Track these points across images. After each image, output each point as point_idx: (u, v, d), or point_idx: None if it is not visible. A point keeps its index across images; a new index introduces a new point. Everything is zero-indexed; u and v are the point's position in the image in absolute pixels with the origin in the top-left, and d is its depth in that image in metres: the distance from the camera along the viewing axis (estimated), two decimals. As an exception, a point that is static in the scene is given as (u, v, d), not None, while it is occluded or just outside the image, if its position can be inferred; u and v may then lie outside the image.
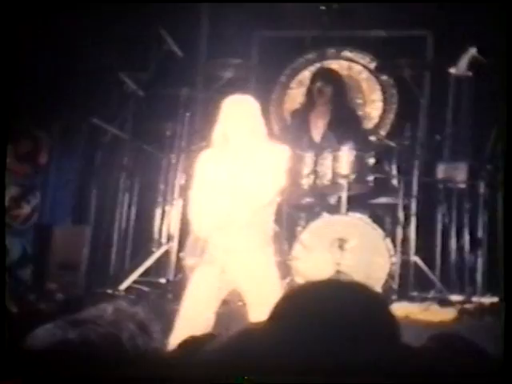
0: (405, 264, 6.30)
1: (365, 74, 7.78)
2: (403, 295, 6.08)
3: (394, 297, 6.04)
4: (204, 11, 7.88)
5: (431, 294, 6.16)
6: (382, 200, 6.74)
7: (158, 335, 2.06)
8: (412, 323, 5.30)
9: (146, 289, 6.50)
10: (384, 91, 7.71)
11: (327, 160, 6.38)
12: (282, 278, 5.21)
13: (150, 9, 7.11)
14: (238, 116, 4.70)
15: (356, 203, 6.47)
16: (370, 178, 6.43)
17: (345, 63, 7.79)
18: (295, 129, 7.01)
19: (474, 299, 6.03)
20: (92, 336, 1.91)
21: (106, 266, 7.08)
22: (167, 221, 6.89)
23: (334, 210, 6.45)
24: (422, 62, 7.30)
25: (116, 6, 7.06)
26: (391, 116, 7.66)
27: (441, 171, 6.70)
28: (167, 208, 6.92)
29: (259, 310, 4.28)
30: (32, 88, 7.28)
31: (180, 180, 6.82)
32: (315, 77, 7.14)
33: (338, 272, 6.05)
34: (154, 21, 7.10)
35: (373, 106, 7.73)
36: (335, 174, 6.35)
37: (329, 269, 6.04)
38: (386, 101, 7.69)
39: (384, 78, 7.67)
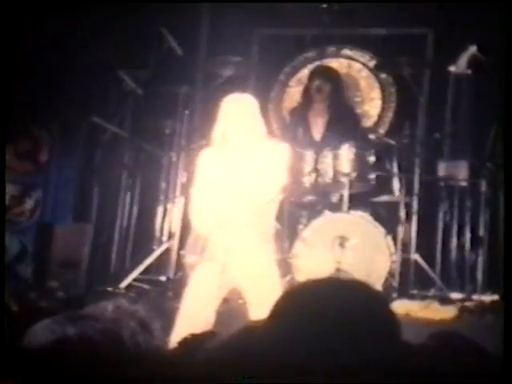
0: (405, 262, 6.30)
1: (364, 72, 7.77)
2: (403, 293, 6.08)
3: (395, 295, 6.04)
4: (204, 9, 7.87)
5: (431, 292, 6.16)
6: (384, 198, 6.74)
7: (158, 333, 2.06)
8: (412, 321, 5.31)
9: (146, 287, 6.51)
10: (383, 89, 7.70)
11: (328, 158, 6.38)
12: (282, 276, 5.21)
13: (150, 7, 7.11)
14: (238, 115, 4.70)
15: (358, 201, 6.47)
16: (372, 176, 6.44)
17: (344, 61, 7.78)
18: (294, 127, 7.01)
19: (475, 297, 6.03)
20: (91, 332, 1.91)
21: (107, 265, 7.08)
22: (168, 219, 6.89)
23: (335, 208, 6.45)
24: (422, 60, 7.29)
25: (116, 4, 7.06)
26: (390, 114, 7.65)
27: (442, 169, 6.70)
28: (168, 206, 6.92)
29: (259, 309, 4.28)
30: (31, 86, 7.27)
31: (181, 178, 6.83)
32: (313, 75, 7.13)
33: (339, 270, 6.05)
34: (154, 19, 7.10)
35: (372, 104, 7.72)
36: (336, 172, 6.36)
37: (329, 267, 6.04)
38: (384, 99, 7.68)
39: (383, 76, 7.66)
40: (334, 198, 6.64)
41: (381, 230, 6.23)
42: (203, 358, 1.84)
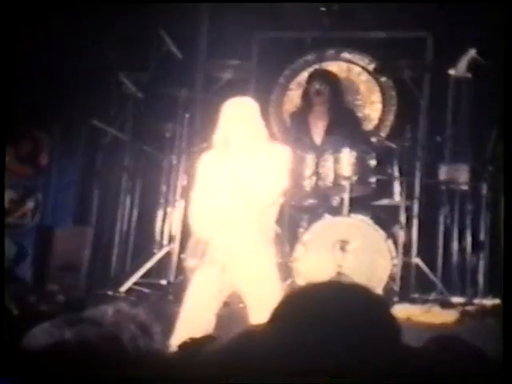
0: (406, 266, 6.29)
1: (364, 76, 7.77)
2: (404, 297, 6.07)
3: (396, 299, 6.03)
4: (204, 12, 7.87)
5: (433, 295, 6.15)
6: (384, 202, 6.74)
7: (158, 337, 2.05)
8: (413, 325, 5.29)
9: (146, 290, 6.49)
10: (383, 93, 7.70)
11: (328, 162, 6.38)
12: (283, 280, 5.20)
13: (150, 9, 7.11)
14: (239, 118, 4.69)
15: (358, 205, 6.47)
16: (372, 179, 6.43)
17: (344, 65, 7.79)
18: (295, 130, 7.01)
19: (476, 301, 6.03)
20: (90, 336, 1.91)
21: (107, 268, 7.07)
22: (169, 222, 6.88)
23: (336, 211, 6.45)
24: (422, 64, 7.29)
25: (115, 6, 7.06)
26: (391, 117, 7.65)
27: (443, 173, 6.69)
28: (169, 209, 6.91)
29: (260, 312, 4.28)
30: (31, 89, 7.28)
31: (182, 181, 6.82)
32: (311, 78, 7.14)
33: (340, 274, 6.04)
34: (154, 21, 7.10)
35: (372, 108, 7.72)
36: (337, 176, 6.35)
37: (330, 270, 6.04)
38: (385, 102, 7.68)
39: (383, 79, 7.66)
40: (335, 202, 6.63)
41: (381, 233, 6.23)
42: (203, 362, 1.83)
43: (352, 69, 7.77)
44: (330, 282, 3.10)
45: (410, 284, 6.24)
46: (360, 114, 7.54)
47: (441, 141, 6.85)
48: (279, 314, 1.86)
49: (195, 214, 4.83)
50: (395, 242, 6.30)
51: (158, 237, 6.93)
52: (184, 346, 2.01)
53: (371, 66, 7.68)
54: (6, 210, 6.87)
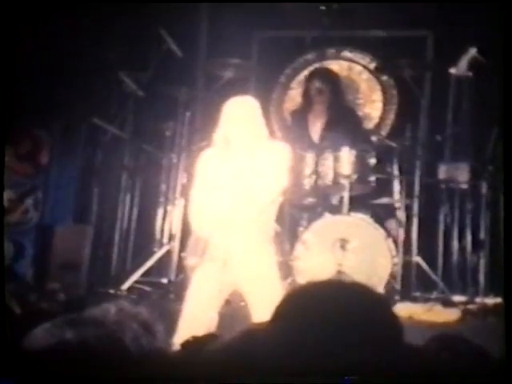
0: (407, 264, 6.29)
1: (365, 75, 7.77)
2: (406, 296, 6.07)
3: (397, 297, 6.03)
4: (204, 11, 7.87)
5: (434, 294, 6.15)
6: (384, 200, 6.74)
7: (161, 335, 2.05)
8: (416, 324, 5.30)
9: (147, 289, 6.49)
10: (384, 91, 7.70)
11: (328, 160, 6.37)
12: (283, 279, 5.21)
13: (150, 8, 7.10)
14: (240, 117, 4.70)
15: (358, 203, 6.46)
16: (372, 178, 6.43)
17: (345, 63, 7.79)
18: (295, 129, 7.02)
19: (477, 300, 6.03)
20: (93, 335, 1.91)
21: (108, 266, 7.07)
22: (169, 220, 6.88)
23: (336, 210, 6.45)
24: (422, 63, 7.29)
25: (116, 5, 7.05)
26: (391, 116, 7.65)
27: (442, 172, 6.70)
28: (169, 208, 6.91)
29: (261, 311, 4.28)
30: (31, 88, 7.27)
31: (181, 180, 6.82)
32: (311, 77, 7.14)
33: (340, 272, 6.04)
34: (154, 20, 7.10)
35: (373, 107, 7.72)
36: (337, 175, 6.35)
37: (330, 269, 6.04)
38: (386, 101, 7.68)
39: (384, 78, 7.66)
40: (335, 200, 6.63)
41: (381, 232, 6.23)
42: (206, 360, 1.83)
43: (353, 67, 7.78)
44: (330, 281, 3.11)
45: (411, 283, 6.24)
46: (360, 113, 7.54)
47: (441, 140, 6.85)
48: (281, 313, 1.86)
49: (195, 212, 4.83)
50: (395, 241, 6.31)
51: (158, 235, 6.93)
52: (186, 345, 2.01)
53: (372, 65, 7.68)
54: (6, 209, 6.86)
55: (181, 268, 6.37)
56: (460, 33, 6.85)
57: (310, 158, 6.37)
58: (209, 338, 2.05)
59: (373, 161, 6.42)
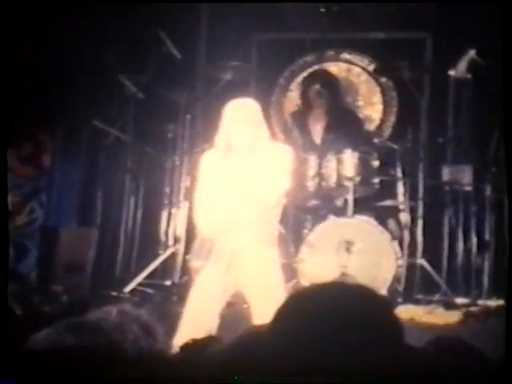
0: (411, 267, 6.29)
1: (364, 77, 7.77)
2: (408, 298, 6.07)
3: (400, 299, 6.03)
4: (203, 13, 7.87)
5: (436, 296, 6.14)
6: (388, 202, 6.73)
7: (162, 337, 2.05)
8: (417, 326, 5.30)
9: (150, 291, 6.49)
10: (384, 93, 7.69)
11: (331, 162, 6.37)
12: (287, 281, 5.20)
13: (150, 11, 7.10)
14: (241, 120, 4.70)
15: (362, 205, 6.46)
16: (376, 180, 6.43)
17: (344, 65, 7.79)
18: (296, 131, 7.01)
19: (480, 302, 6.02)
20: (92, 340, 1.91)
21: (112, 269, 7.07)
22: (173, 223, 6.88)
23: (340, 212, 6.44)
24: (422, 65, 7.29)
25: (115, 7, 7.04)
26: (392, 118, 7.65)
27: (446, 174, 6.69)
28: (173, 210, 6.92)
29: (263, 312, 4.28)
30: (33, 91, 7.27)
31: (185, 182, 6.82)
32: (310, 79, 7.13)
33: (344, 274, 6.03)
34: (153, 23, 7.09)
35: (373, 109, 7.72)
36: (340, 177, 6.35)
37: (335, 271, 6.03)
38: (386, 103, 7.68)
39: (383, 80, 7.66)
40: (339, 203, 6.63)
41: (386, 234, 6.22)
42: (207, 362, 1.84)
43: (352, 69, 7.77)
44: (333, 283, 3.10)
45: (415, 285, 6.24)
46: (361, 115, 7.53)
47: (443, 142, 6.85)
48: (283, 315, 1.86)
49: (200, 214, 4.83)
50: (400, 243, 6.31)
51: (163, 237, 6.93)
52: (185, 347, 2.01)
53: (371, 67, 7.67)
54: (10, 212, 6.86)
55: (185, 270, 6.37)
56: (459, 35, 6.84)
57: (312, 160, 6.36)
58: (208, 340, 2.05)
59: (376, 163, 6.42)
